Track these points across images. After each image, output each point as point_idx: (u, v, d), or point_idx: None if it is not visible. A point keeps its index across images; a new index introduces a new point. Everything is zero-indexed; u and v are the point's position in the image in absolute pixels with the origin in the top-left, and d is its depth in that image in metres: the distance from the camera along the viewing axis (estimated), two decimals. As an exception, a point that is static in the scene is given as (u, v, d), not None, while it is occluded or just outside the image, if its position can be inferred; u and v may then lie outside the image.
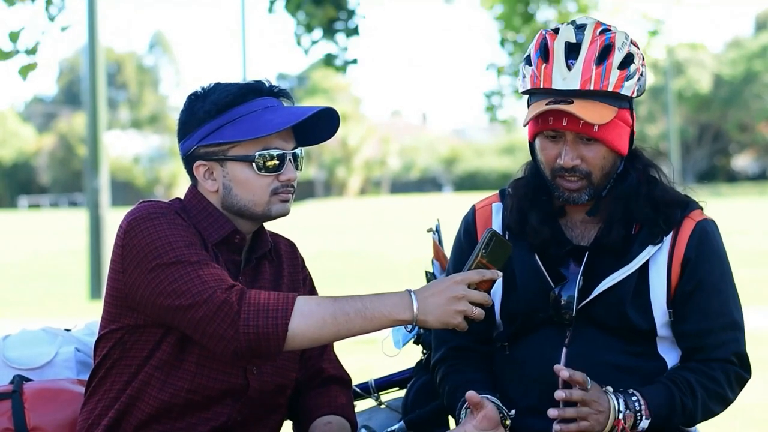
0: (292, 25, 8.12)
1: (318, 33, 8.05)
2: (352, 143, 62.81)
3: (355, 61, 8.17)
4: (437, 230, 3.03)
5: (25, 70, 5.79)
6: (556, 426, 2.43)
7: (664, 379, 2.54)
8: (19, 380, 2.70)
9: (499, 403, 2.51)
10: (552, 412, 2.42)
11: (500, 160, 59.25)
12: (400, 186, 68.26)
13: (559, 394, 2.41)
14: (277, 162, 2.51)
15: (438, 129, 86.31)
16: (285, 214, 2.56)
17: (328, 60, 8.12)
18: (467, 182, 61.69)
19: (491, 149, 64.43)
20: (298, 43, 8.14)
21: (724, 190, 52.86)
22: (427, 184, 67.97)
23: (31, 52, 5.84)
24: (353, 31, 8.04)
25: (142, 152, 65.72)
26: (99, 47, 15.14)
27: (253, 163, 2.50)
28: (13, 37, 5.82)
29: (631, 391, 2.49)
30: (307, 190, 62.68)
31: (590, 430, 2.42)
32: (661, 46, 9.06)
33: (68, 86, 74.81)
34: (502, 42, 9.41)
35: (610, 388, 2.47)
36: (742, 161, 64.83)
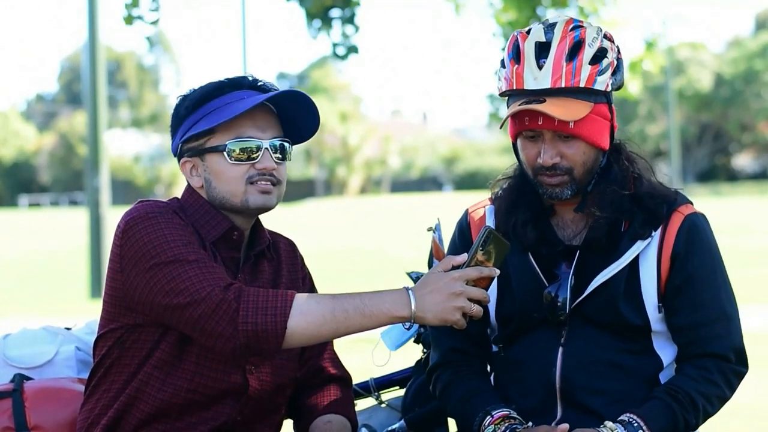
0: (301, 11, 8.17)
1: (318, 22, 8.08)
2: (352, 142, 62.78)
3: (355, 49, 8.19)
4: (437, 229, 3.03)
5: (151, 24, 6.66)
6: None
7: (664, 394, 2.51)
8: (20, 379, 2.70)
9: (518, 416, 2.55)
10: None
11: (500, 159, 59.14)
12: (401, 185, 68.24)
13: None
14: (251, 150, 2.50)
15: (438, 128, 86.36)
16: (266, 206, 2.53)
17: (334, 49, 8.15)
18: (467, 181, 61.66)
19: (491, 148, 64.42)
20: (309, 26, 8.19)
21: (725, 190, 52.88)
22: (428, 183, 67.94)
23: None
24: (349, 20, 8.07)
25: (143, 151, 65.73)
26: (99, 46, 15.15)
27: (225, 152, 2.50)
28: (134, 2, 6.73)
29: (635, 422, 2.46)
30: (307, 189, 62.67)
31: None
32: (655, 62, 9.04)
33: (69, 85, 74.84)
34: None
35: (609, 425, 2.45)
36: (743, 160, 64.82)
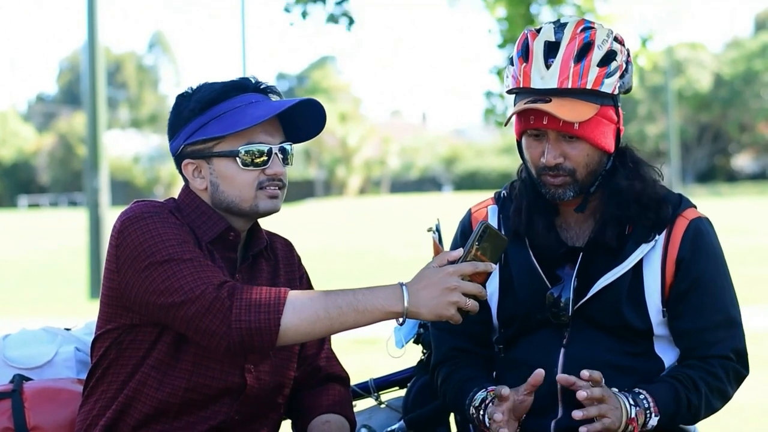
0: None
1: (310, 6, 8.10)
2: (352, 143, 62.76)
3: (352, 21, 8.25)
4: (437, 230, 3.02)
5: None
6: (582, 429, 2.40)
7: (666, 377, 2.54)
8: (19, 379, 2.70)
9: None
10: (576, 414, 2.40)
11: (500, 159, 59.17)
12: (400, 185, 68.17)
13: (581, 393, 2.39)
14: (263, 156, 2.51)
15: (438, 129, 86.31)
16: (274, 210, 2.55)
17: (331, 18, 8.16)
18: (467, 182, 61.60)
19: (491, 149, 64.35)
20: (287, 10, 8.17)
21: (724, 190, 52.87)
22: (427, 183, 67.88)
23: None
24: None
25: (142, 152, 65.69)
26: (99, 46, 15.15)
27: (237, 158, 2.50)
28: None
29: (637, 390, 2.49)
30: (307, 190, 62.63)
31: (612, 427, 2.40)
32: (652, 58, 9.08)
33: (68, 86, 74.86)
34: (503, 44, 9.41)
35: (615, 389, 2.47)
36: (742, 161, 64.79)
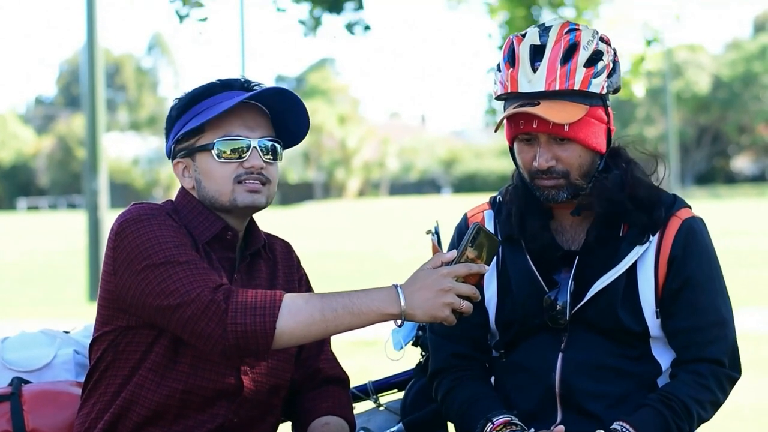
0: (297, 10, 8.23)
1: (322, 13, 8.18)
2: (351, 145, 62.76)
3: (368, 27, 8.35)
4: (436, 232, 3.03)
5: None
6: None
7: (657, 402, 2.50)
8: (18, 382, 2.70)
9: (520, 423, 2.52)
10: None
11: (499, 161, 59.16)
12: (399, 187, 68.21)
13: None
14: (239, 149, 2.51)
15: (437, 130, 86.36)
16: (255, 205, 2.53)
17: (349, 27, 8.24)
18: (466, 184, 61.65)
19: (490, 151, 64.36)
20: (303, 23, 8.25)
21: (723, 192, 52.90)
22: (426, 185, 67.90)
23: (198, 4, 7.19)
24: (359, 5, 8.19)
25: (141, 154, 65.74)
26: (98, 48, 15.16)
27: (212, 151, 2.50)
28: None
29: (625, 430, 2.46)
30: (306, 192, 62.66)
31: None
32: (656, 59, 9.09)
33: (67, 88, 74.86)
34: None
35: None
36: (741, 163, 64.83)
